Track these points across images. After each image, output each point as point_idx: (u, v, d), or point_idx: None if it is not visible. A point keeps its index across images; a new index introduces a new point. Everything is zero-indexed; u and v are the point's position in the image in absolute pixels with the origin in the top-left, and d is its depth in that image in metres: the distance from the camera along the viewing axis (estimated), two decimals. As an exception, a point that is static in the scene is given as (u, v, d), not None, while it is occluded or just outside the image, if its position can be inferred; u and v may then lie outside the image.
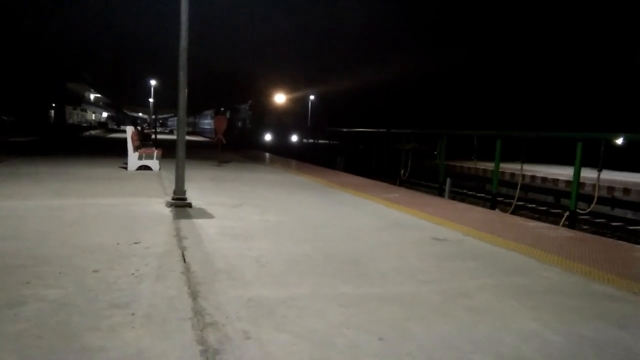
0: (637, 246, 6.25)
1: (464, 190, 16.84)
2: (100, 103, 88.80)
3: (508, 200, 12.68)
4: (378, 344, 2.87)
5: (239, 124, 38.27)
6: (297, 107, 32.76)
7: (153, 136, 25.87)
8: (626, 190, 12.74)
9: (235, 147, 25.08)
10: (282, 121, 31.77)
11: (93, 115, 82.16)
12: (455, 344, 2.91)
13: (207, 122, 51.54)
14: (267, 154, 22.09)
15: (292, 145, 30.39)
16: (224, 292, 3.60)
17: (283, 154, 23.35)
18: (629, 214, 12.57)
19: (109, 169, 12.41)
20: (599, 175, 9.10)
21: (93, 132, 52.40)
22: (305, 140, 31.53)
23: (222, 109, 43.66)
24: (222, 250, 4.78)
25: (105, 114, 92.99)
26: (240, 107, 38.77)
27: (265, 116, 32.07)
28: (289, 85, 33.62)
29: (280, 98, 32.16)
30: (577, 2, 31.37)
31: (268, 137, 31.00)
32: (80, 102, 68.75)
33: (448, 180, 13.11)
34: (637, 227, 11.62)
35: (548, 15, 33.79)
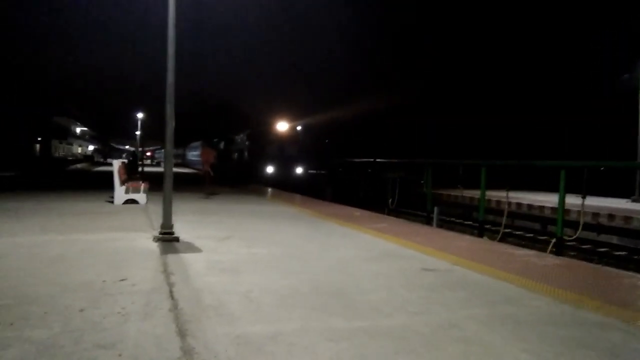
0: (624, 272, 6.30)
1: (452, 218, 16.90)
2: (87, 136, 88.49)
3: (495, 228, 12.74)
4: (369, 380, 2.84)
5: (235, 155, 35.11)
6: (301, 136, 29.35)
7: (140, 169, 25.87)
8: (611, 216, 12.89)
9: (231, 182, 23.88)
10: (285, 151, 28.39)
11: (79, 148, 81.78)
12: (447, 378, 2.89)
13: (195, 154, 50.98)
14: (269, 189, 20.40)
15: (297, 177, 27.63)
16: (212, 329, 3.56)
17: (288, 189, 21.38)
18: (615, 240, 12.68)
19: (95, 203, 12.31)
20: (583, 202, 9.21)
21: (79, 166, 52.03)
22: (311, 172, 28.64)
23: (216, 139, 41.12)
24: (210, 286, 4.73)
25: (91, 147, 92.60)
26: (237, 137, 35.43)
27: (266, 146, 28.55)
28: (290, 113, 30.31)
29: (282, 126, 28.72)
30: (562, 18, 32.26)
31: (270, 169, 27.55)
32: (66, 135, 68.48)
33: (436, 208, 13.18)
34: (622, 253, 11.72)
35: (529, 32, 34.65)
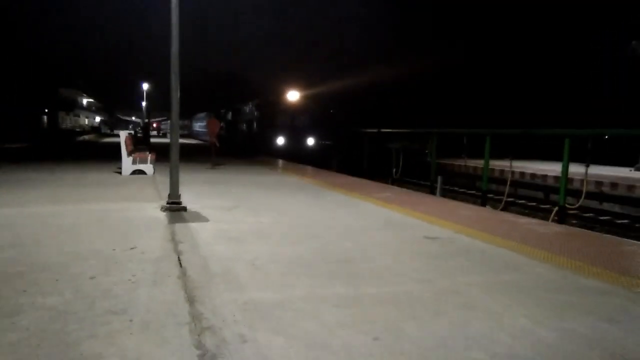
0: (625, 240, 6.35)
1: (455, 188, 16.94)
2: (93, 108, 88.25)
3: (498, 197, 12.79)
4: (373, 344, 2.93)
5: (243, 126, 33.65)
6: (313, 106, 27.34)
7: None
8: (613, 185, 12.89)
9: (239, 154, 23.53)
10: (296, 122, 26.96)
11: (86, 120, 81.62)
12: (449, 343, 2.97)
13: (201, 125, 50.50)
14: (279, 161, 19.87)
15: (309, 149, 26.26)
16: (220, 295, 3.65)
17: (298, 160, 20.51)
18: (617, 208, 12.71)
19: (103, 174, 12.40)
20: (586, 171, 9.22)
21: (86, 137, 52.15)
22: (323, 143, 27.12)
23: (223, 110, 40.04)
24: (218, 254, 4.82)
25: (98, 119, 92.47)
26: (244, 108, 33.72)
27: (277, 117, 27.10)
28: (301, 81, 28.31)
29: (293, 95, 26.82)
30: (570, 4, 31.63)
31: (281, 140, 26.18)
32: (73, 107, 68.39)
33: (439, 178, 13.20)
34: (624, 221, 11.77)
35: (537, 13, 34.03)
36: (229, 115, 38.13)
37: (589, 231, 7.23)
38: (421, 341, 2.98)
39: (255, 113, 30.20)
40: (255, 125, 30.18)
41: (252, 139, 29.50)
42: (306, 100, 27.14)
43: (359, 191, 10.07)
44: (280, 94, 27.14)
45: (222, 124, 24.56)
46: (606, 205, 12.99)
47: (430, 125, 15.23)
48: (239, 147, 30.01)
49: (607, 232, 9.37)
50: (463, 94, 34.91)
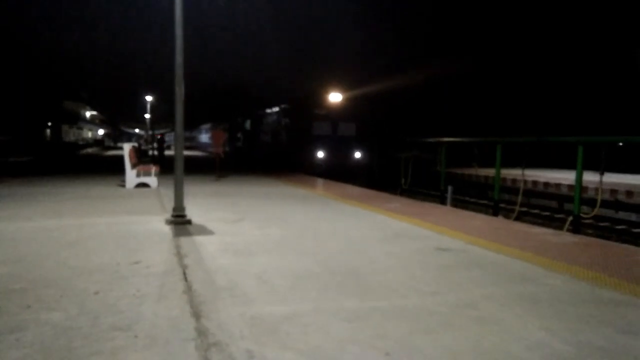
0: (642, 249, 6.20)
1: (466, 198, 16.80)
2: (97, 120, 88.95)
3: (511, 207, 12.64)
4: (385, 359, 2.83)
5: (266, 137, 27.28)
6: (360, 111, 22.05)
7: (150, 153, 25.69)
8: (629, 193, 12.70)
9: (262, 168, 20.64)
10: (339, 131, 21.63)
11: (90, 132, 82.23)
12: (463, 357, 2.87)
13: (204, 137, 49.79)
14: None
15: (360, 164, 21.36)
16: (226, 310, 3.56)
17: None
18: (633, 217, 12.52)
19: (106, 187, 12.39)
20: (601, 179, 9.07)
21: (90, 150, 52.48)
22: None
23: (240, 118, 34.66)
24: (224, 267, 4.74)
25: (101, 131, 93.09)
26: (268, 114, 27.46)
27: (314, 124, 21.47)
28: (339, 82, 23.18)
29: (335, 97, 21.42)
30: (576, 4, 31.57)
31: (320, 154, 20.91)
32: (77, 120, 68.89)
33: (449, 188, 13.08)
34: None
35: (545, 17, 34.01)
36: (247, 124, 32.36)
37: (605, 241, 7.08)
38: (434, 356, 2.87)
39: (283, 121, 24.51)
40: (283, 135, 24.40)
41: (279, 152, 24.42)
42: (354, 104, 22.20)
43: (368, 202, 9.98)
44: (318, 96, 21.95)
45: (227, 135, 22.80)
46: (622, 214, 12.80)
47: (440, 132, 15.03)
48: (261, 162, 25.63)
49: (624, 242, 9.22)
50: (473, 99, 34.69)
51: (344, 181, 15.87)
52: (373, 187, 14.64)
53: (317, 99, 21.76)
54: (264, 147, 27.22)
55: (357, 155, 21.37)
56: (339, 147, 21.09)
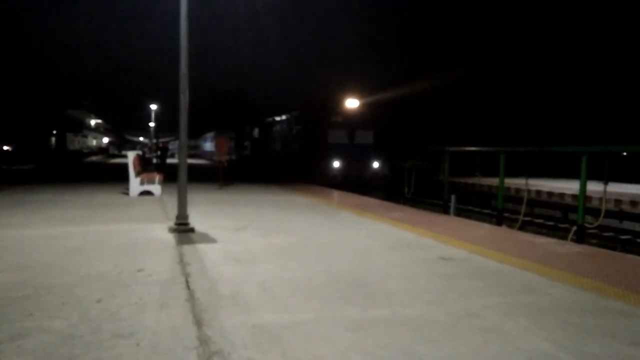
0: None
1: (469, 207, 16.75)
2: (101, 129, 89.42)
3: (514, 216, 12.60)
4: (387, 369, 2.81)
5: (276, 145, 26.08)
6: (378, 118, 20.84)
7: (154, 161, 25.65)
8: (633, 203, 12.65)
9: (272, 178, 19.86)
10: (356, 139, 20.27)
11: (94, 141, 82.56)
12: (466, 368, 2.85)
13: (208, 145, 49.60)
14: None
15: (377, 175, 20.08)
16: (228, 318, 3.55)
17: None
18: (638, 227, 12.46)
19: (110, 195, 12.41)
20: (605, 188, 9.04)
21: (94, 158, 52.57)
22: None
23: (248, 126, 33.34)
24: (226, 276, 4.73)
25: (106, 139, 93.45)
26: (278, 121, 26.03)
27: (330, 132, 20.18)
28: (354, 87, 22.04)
29: (352, 103, 20.21)
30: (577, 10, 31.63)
31: (336, 164, 19.54)
32: (81, 128, 69.28)
33: (453, 197, 13.04)
34: None
35: (545, 23, 34.08)
36: (255, 132, 30.97)
37: (610, 251, 7.05)
38: (437, 366, 2.85)
39: (295, 128, 23.08)
40: (295, 143, 22.97)
41: (290, 161, 23.14)
42: (372, 110, 20.91)
43: (371, 211, 9.96)
44: (333, 101, 20.71)
45: (230, 143, 22.16)
46: (626, 224, 12.74)
47: (442, 141, 14.93)
48: (269, 171, 24.67)
49: (628, 252, 9.17)
50: (475, 108, 34.58)
51: (360, 193, 15.32)
52: (377, 197, 14.61)
53: (333, 105, 20.52)
54: (273, 156, 26.20)
55: (375, 165, 20.15)
56: (357, 156, 19.83)
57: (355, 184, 18.38)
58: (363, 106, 20.50)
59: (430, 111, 35.68)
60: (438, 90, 34.76)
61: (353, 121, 20.25)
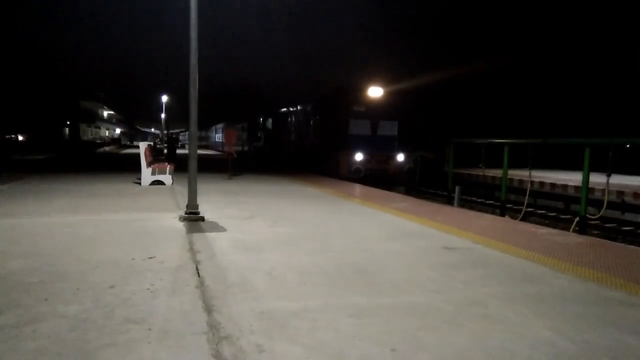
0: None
1: (473, 198, 16.78)
2: (113, 120, 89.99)
3: (517, 207, 12.63)
4: (391, 355, 2.90)
5: (291, 137, 24.65)
6: (403, 107, 19.32)
7: (165, 152, 25.70)
8: (636, 195, 12.65)
9: (283, 170, 19.18)
10: (379, 130, 18.88)
11: (106, 131, 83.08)
12: (468, 355, 2.93)
13: (218, 136, 49.39)
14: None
15: (403, 168, 18.64)
16: (237, 305, 3.65)
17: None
18: (639, 218, 12.47)
19: (123, 184, 12.55)
20: (608, 180, 9.06)
21: (107, 149, 52.91)
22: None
23: (261, 117, 31.83)
24: (235, 263, 4.83)
25: (118, 130, 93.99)
26: (293, 111, 24.48)
27: (351, 122, 18.65)
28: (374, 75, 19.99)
29: (376, 92, 18.64)
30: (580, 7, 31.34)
31: (359, 157, 17.97)
32: (94, 119, 69.82)
33: (457, 188, 13.09)
34: None
35: (551, 18, 33.80)
36: (269, 123, 29.80)
37: (611, 242, 7.10)
38: (440, 353, 2.94)
39: (312, 119, 21.56)
40: (312, 134, 21.47)
41: (306, 153, 21.76)
42: (397, 99, 19.31)
43: (376, 201, 10.04)
44: (355, 90, 19.08)
45: (239, 134, 21.82)
46: (628, 215, 12.76)
47: (447, 132, 14.92)
48: (282, 163, 23.91)
49: (630, 243, 9.20)
50: (480, 101, 34.39)
51: (386, 189, 14.43)
52: (382, 187, 14.67)
53: (355, 94, 18.89)
54: (287, 148, 25.02)
55: (400, 158, 18.71)
56: (381, 149, 18.49)
57: (380, 179, 17.46)
58: (387, 95, 18.97)
59: (455, 102, 35.10)
60: (463, 81, 34.30)
61: (376, 111, 18.79)
